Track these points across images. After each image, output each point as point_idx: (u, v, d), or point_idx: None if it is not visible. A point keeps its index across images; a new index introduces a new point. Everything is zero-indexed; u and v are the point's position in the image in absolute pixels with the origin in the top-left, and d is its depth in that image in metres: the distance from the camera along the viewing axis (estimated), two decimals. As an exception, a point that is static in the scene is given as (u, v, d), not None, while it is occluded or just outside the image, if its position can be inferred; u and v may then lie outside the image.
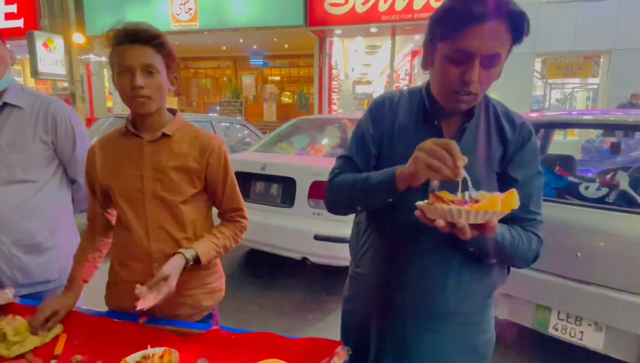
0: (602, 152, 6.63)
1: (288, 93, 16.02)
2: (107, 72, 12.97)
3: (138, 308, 0.98)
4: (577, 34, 9.18)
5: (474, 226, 0.77)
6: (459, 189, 0.79)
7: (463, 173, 0.75)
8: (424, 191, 0.91)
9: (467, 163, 0.78)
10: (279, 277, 3.67)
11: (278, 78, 16.15)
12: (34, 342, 1.05)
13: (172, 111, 1.24)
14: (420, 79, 11.29)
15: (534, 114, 3.03)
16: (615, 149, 4.31)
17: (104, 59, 12.28)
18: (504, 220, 0.87)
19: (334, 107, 12.62)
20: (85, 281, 1.25)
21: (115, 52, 1.08)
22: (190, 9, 10.81)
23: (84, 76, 10.01)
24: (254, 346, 1.01)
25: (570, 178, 2.58)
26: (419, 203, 0.81)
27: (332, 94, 12.26)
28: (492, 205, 0.74)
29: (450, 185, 0.79)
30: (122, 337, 1.07)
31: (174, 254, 1.11)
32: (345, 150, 1.08)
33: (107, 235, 1.31)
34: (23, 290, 1.36)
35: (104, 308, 1.26)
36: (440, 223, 0.76)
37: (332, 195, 1.06)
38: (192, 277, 1.20)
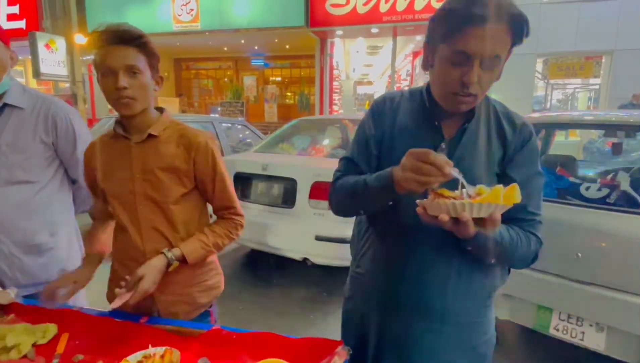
0: (604, 152, 6.62)
1: (289, 94, 16.02)
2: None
3: (111, 307, 1.05)
4: (579, 34, 9.17)
5: (477, 221, 0.77)
6: (459, 187, 0.79)
7: (454, 174, 0.76)
8: (418, 192, 0.92)
9: (467, 164, 0.78)
10: (280, 277, 3.67)
11: (279, 79, 16.16)
12: (28, 343, 1.05)
13: (161, 110, 1.24)
14: (422, 79, 11.28)
15: (536, 115, 3.03)
16: (616, 149, 4.30)
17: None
18: (502, 221, 0.87)
19: (335, 107, 12.61)
20: (104, 252, 1.29)
21: (98, 54, 1.08)
22: (192, 9, 10.83)
23: (85, 77, 10.03)
24: (254, 346, 1.01)
25: (571, 179, 2.58)
26: (420, 201, 0.81)
27: (333, 94, 12.26)
28: (494, 197, 0.74)
29: (450, 183, 0.80)
30: (123, 337, 1.07)
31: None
32: (348, 152, 1.09)
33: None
34: (24, 290, 1.36)
35: (104, 308, 1.26)
36: (445, 217, 0.76)
37: (335, 199, 1.07)
38: (187, 275, 1.22)
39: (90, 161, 1.24)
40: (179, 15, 10.95)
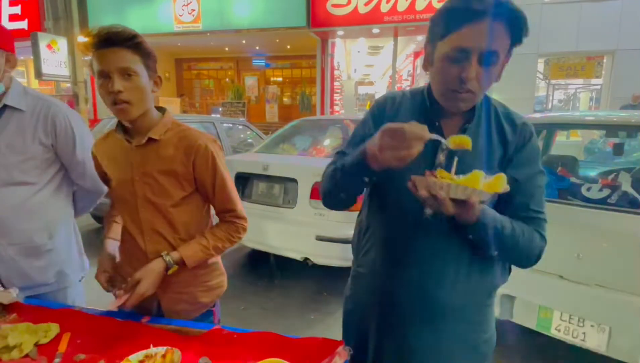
0: (605, 153, 6.60)
1: (290, 94, 16.04)
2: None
3: (108, 308, 1.08)
4: (580, 34, 9.15)
5: (457, 204, 0.79)
6: (452, 171, 0.83)
7: (433, 137, 0.80)
8: None
9: (468, 164, 0.79)
10: (280, 277, 3.68)
11: (280, 79, 16.16)
12: (30, 342, 1.05)
13: (162, 110, 1.22)
14: (423, 80, 11.28)
15: (537, 115, 3.03)
16: (617, 150, 4.29)
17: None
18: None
19: (336, 108, 12.60)
20: (114, 239, 1.32)
21: (93, 58, 1.06)
22: (193, 10, 10.84)
23: (87, 77, 10.05)
24: (255, 345, 1.02)
25: (573, 179, 2.57)
26: (414, 176, 0.83)
27: (334, 95, 12.25)
28: (472, 181, 0.76)
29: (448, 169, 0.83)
30: (124, 336, 1.07)
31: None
32: (343, 146, 1.10)
33: None
34: (21, 292, 1.35)
35: (105, 307, 1.27)
36: (424, 193, 0.80)
37: (321, 188, 1.09)
38: (190, 275, 1.22)
39: (97, 157, 1.25)
40: (180, 16, 10.96)
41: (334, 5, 9.74)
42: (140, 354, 0.96)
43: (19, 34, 11.07)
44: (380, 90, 18.79)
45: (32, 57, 8.39)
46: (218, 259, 1.33)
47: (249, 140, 5.78)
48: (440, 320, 1.00)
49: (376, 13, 9.49)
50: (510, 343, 2.53)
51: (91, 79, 11.12)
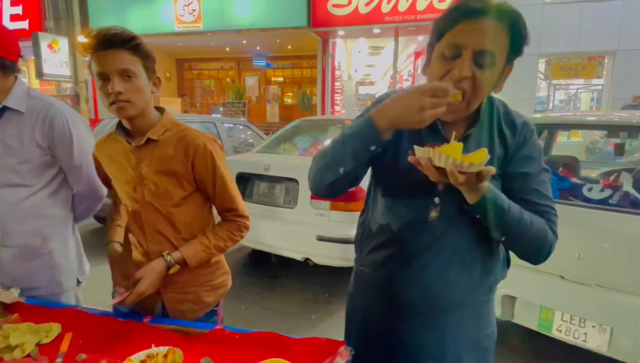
0: (606, 153, 6.60)
1: (291, 94, 16.04)
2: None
3: (109, 305, 1.11)
4: (581, 34, 9.14)
5: (442, 172, 0.78)
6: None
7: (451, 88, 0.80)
8: (425, 188, 0.93)
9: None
10: (281, 278, 3.68)
11: (281, 79, 16.17)
12: (32, 342, 1.05)
13: (161, 110, 1.22)
14: (424, 80, 11.25)
15: (538, 115, 3.02)
16: (619, 150, 4.29)
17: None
18: None
19: (337, 108, 12.60)
20: (118, 242, 1.32)
21: (92, 60, 1.06)
22: (194, 10, 10.85)
23: (88, 78, 10.06)
24: (257, 346, 1.02)
25: (574, 179, 2.57)
26: (416, 146, 0.82)
27: (335, 95, 12.25)
28: (453, 151, 0.76)
29: None
30: (126, 336, 1.07)
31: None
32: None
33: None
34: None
35: (107, 308, 1.27)
36: (411, 158, 0.80)
37: (312, 169, 1.01)
38: (193, 274, 1.22)
39: (97, 158, 1.26)
40: (181, 16, 10.97)
41: (335, 6, 9.75)
42: (141, 354, 0.96)
43: (20, 34, 11.09)
44: (381, 90, 18.78)
45: (33, 57, 8.39)
46: (221, 258, 1.33)
47: (250, 140, 5.78)
48: (444, 317, 1.01)
49: (377, 13, 9.49)
50: (511, 344, 2.53)
51: (92, 79, 11.14)
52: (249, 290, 3.40)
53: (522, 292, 2.19)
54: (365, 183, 1.12)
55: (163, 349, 0.97)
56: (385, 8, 9.40)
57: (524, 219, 0.90)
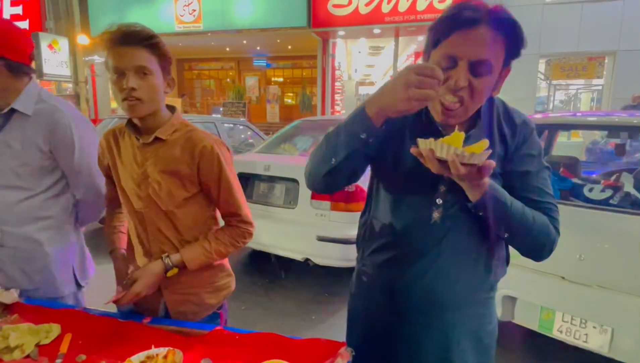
0: (607, 154, 6.60)
1: (291, 94, 16.05)
2: (111, 74, 13.00)
3: (103, 303, 1.13)
4: (582, 35, 9.14)
5: (444, 165, 0.78)
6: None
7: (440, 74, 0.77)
8: (428, 189, 0.93)
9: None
10: (282, 278, 3.67)
11: (281, 79, 16.18)
12: (31, 343, 1.05)
13: (172, 110, 1.21)
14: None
15: (538, 116, 3.02)
16: (619, 150, 4.29)
17: (108, 60, 12.34)
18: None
19: (337, 108, 12.61)
20: (123, 249, 1.32)
21: (109, 54, 1.06)
22: (194, 10, 10.86)
23: (88, 77, 10.07)
24: (257, 346, 1.01)
25: (575, 180, 2.57)
26: (420, 139, 0.81)
27: (335, 95, 12.25)
28: (455, 141, 0.76)
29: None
30: (126, 337, 1.07)
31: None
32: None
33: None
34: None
35: (108, 308, 1.26)
36: (413, 150, 0.79)
37: (308, 164, 1.01)
38: (196, 276, 1.22)
39: (103, 148, 1.24)
40: (182, 16, 10.98)
41: (335, 6, 9.75)
42: (141, 355, 0.96)
43: (21, 34, 11.07)
44: (381, 90, 18.79)
45: (33, 57, 8.39)
46: (225, 260, 1.32)
47: (250, 140, 5.78)
48: (446, 316, 1.01)
49: (377, 13, 9.49)
50: (512, 345, 2.53)
51: (92, 79, 11.14)
52: (249, 291, 3.40)
53: (523, 293, 2.19)
54: (365, 183, 1.12)
55: (163, 350, 0.97)
56: (386, 8, 9.40)
57: (526, 215, 0.90)
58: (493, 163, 0.77)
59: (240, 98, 13.96)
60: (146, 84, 1.07)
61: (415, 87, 0.75)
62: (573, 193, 2.43)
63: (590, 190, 2.36)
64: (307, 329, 2.80)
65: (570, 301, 2.05)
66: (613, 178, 2.73)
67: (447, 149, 0.75)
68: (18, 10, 11.70)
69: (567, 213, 2.07)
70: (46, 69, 8.40)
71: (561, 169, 2.73)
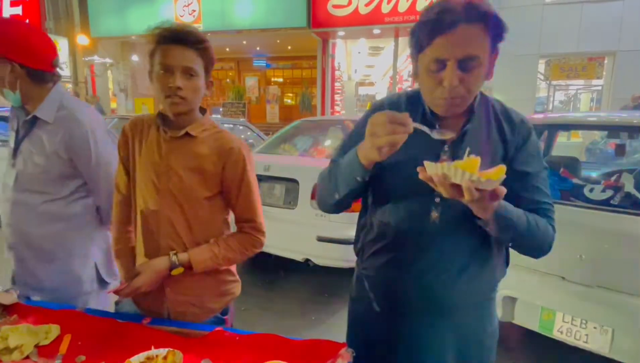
0: (607, 154, 6.60)
1: (291, 95, 16.05)
2: (110, 74, 13.06)
3: (106, 291, 1.11)
4: (581, 35, 9.15)
5: (456, 188, 0.77)
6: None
7: (416, 125, 0.81)
8: (425, 189, 0.92)
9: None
10: (281, 279, 3.67)
11: (281, 80, 16.18)
12: (31, 344, 1.04)
13: (203, 111, 1.24)
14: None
15: (538, 116, 3.02)
16: (619, 151, 4.29)
17: (108, 60, 12.36)
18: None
19: (337, 108, 12.60)
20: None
21: (158, 50, 1.09)
22: (194, 10, 10.86)
23: (88, 78, 10.07)
24: (257, 347, 1.01)
25: (575, 180, 2.57)
26: (426, 161, 0.81)
27: (335, 95, 12.25)
28: (469, 166, 0.75)
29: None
30: (125, 338, 1.07)
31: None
32: (335, 153, 1.10)
33: (130, 223, 1.30)
34: (31, 294, 1.39)
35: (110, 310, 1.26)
36: (423, 173, 0.79)
37: (317, 189, 1.11)
38: (201, 279, 1.21)
39: (127, 136, 1.23)
40: (181, 17, 10.97)
41: (335, 6, 9.75)
42: (141, 356, 0.96)
43: (20, 34, 11.07)
44: (380, 91, 18.80)
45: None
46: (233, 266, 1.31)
47: (250, 141, 5.78)
48: (447, 317, 1.01)
49: (377, 14, 9.49)
50: (512, 346, 2.53)
51: (92, 79, 11.13)
52: (248, 291, 3.39)
53: (523, 293, 2.18)
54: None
55: (163, 351, 0.97)
56: (385, 8, 9.41)
57: (530, 225, 0.93)
58: (504, 189, 0.78)
59: (240, 98, 13.96)
60: (191, 84, 1.10)
61: (384, 135, 0.79)
62: (573, 194, 2.43)
63: (591, 190, 2.36)
64: (307, 330, 2.79)
65: (571, 302, 2.04)
66: (613, 178, 2.72)
67: (462, 175, 0.75)
68: (18, 10, 11.70)
69: (568, 214, 2.08)
70: (46, 69, 8.40)
71: (561, 170, 2.73)
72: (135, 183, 1.22)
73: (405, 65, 15.01)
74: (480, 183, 0.75)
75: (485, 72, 0.91)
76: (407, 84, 14.30)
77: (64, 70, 8.83)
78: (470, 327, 1.03)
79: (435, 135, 0.85)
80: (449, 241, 0.97)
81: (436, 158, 0.95)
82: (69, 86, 9.85)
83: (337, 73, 12.74)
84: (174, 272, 1.15)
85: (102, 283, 1.47)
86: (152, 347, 0.98)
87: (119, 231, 1.31)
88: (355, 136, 1.04)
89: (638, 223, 1.91)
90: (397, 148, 0.81)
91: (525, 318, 2.22)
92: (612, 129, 3.22)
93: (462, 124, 0.97)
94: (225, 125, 5.58)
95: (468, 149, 0.81)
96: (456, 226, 0.95)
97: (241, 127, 6.10)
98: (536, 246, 0.98)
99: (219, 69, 16.65)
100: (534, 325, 2.18)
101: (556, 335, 2.09)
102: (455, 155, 0.95)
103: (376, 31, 10.10)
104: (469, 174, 0.74)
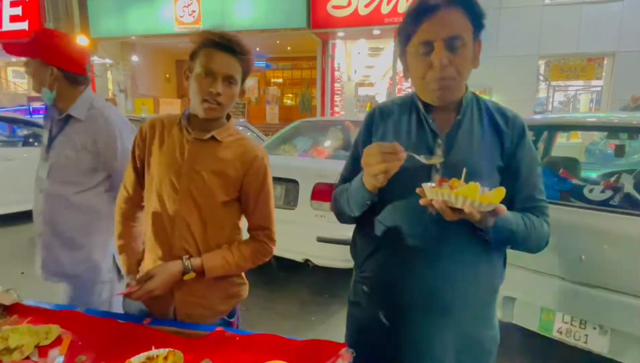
0: (606, 154, 6.60)
1: (290, 95, 16.04)
2: (110, 74, 13.05)
3: (116, 294, 1.12)
4: (581, 36, 9.16)
5: (456, 210, 0.81)
6: (462, 177, 0.84)
7: (409, 153, 0.87)
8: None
9: (465, 156, 0.90)
10: (281, 279, 3.67)
11: (281, 80, 16.17)
12: (31, 344, 1.04)
13: (228, 117, 1.25)
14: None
15: (537, 117, 3.02)
16: (619, 151, 4.29)
17: (108, 61, 12.36)
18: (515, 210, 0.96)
19: (337, 109, 12.61)
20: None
21: (202, 52, 1.11)
22: (194, 11, 10.86)
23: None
24: (257, 348, 1.01)
25: (575, 181, 2.57)
26: (425, 184, 0.85)
27: (335, 96, 12.25)
28: (470, 193, 0.77)
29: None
30: (126, 338, 1.07)
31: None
32: (344, 169, 1.16)
33: (137, 220, 1.32)
34: (53, 278, 1.54)
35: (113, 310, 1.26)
36: (423, 200, 0.84)
37: (333, 205, 1.17)
38: (211, 281, 1.20)
39: (145, 135, 1.22)
40: (181, 17, 10.98)
41: (335, 7, 9.76)
42: (141, 356, 0.96)
43: (20, 34, 11.10)
44: (380, 91, 18.80)
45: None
46: None
47: (250, 141, 5.77)
48: (448, 320, 1.01)
49: (376, 14, 9.51)
50: (512, 346, 2.53)
51: (92, 80, 11.12)
52: (249, 292, 3.39)
53: (523, 293, 2.19)
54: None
55: (163, 351, 0.97)
56: (385, 9, 9.42)
57: (528, 228, 0.96)
58: (504, 208, 0.82)
59: (239, 99, 13.96)
60: (229, 91, 1.14)
61: (377, 164, 0.85)
62: (573, 194, 2.43)
63: (591, 191, 2.36)
64: (307, 330, 2.79)
65: (571, 302, 2.05)
66: (613, 179, 2.72)
67: (463, 202, 0.77)
68: (17, 11, 11.70)
69: (567, 214, 2.08)
70: (46, 69, 8.39)
71: (561, 171, 2.73)
72: (146, 181, 1.22)
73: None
74: (482, 207, 0.78)
75: (471, 57, 0.96)
76: (406, 85, 14.31)
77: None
78: (470, 329, 1.03)
79: (424, 160, 0.90)
80: (447, 242, 0.97)
81: (430, 152, 0.97)
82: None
83: (336, 74, 12.74)
84: (186, 277, 1.15)
85: (120, 274, 1.55)
86: (153, 347, 0.98)
87: (123, 227, 1.31)
88: (357, 157, 1.04)
89: (638, 223, 1.91)
90: (392, 175, 0.86)
91: (525, 319, 2.22)
92: (612, 130, 3.23)
93: (454, 117, 1.00)
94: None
95: (465, 170, 0.85)
96: (455, 226, 0.95)
97: (241, 128, 6.07)
98: (533, 246, 1.02)
99: (219, 70, 16.65)
100: (533, 326, 2.19)
101: (556, 335, 2.09)
102: (449, 147, 0.97)
103: (376, 32, 10.11)
104: (470, 201, 0.77)
